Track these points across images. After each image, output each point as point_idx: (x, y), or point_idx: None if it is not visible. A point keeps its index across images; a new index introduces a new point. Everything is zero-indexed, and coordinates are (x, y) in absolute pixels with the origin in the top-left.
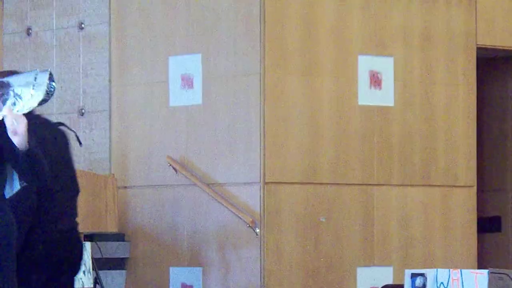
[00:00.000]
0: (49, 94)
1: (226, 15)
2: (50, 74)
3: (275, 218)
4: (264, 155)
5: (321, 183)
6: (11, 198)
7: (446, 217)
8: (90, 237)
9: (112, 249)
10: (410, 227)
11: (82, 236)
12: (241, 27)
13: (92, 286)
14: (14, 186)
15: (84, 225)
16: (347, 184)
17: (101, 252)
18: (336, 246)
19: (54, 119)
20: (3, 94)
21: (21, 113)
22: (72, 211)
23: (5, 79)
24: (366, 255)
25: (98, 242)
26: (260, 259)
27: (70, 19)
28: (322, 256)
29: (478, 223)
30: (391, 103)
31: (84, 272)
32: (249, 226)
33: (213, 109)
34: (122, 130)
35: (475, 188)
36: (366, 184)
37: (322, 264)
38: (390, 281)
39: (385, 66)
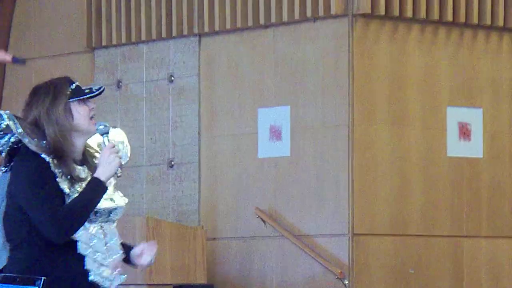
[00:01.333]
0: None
1: (314, 67)
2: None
3: (364, 270)
4: (353, 206)
5: (410, 235)
6: None
7: None
8: None
9: None
10: (500, 280)
11: None
12: (329, 78)
13: None
14: None
15: (173, 276)
16: (436, 235)
17: None
18: None
19: (143, 171)
20: None
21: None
22: None
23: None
24: None
25: None
26: None
27: (160, 72)
28: None
29: None
30: (480, 155)
31: None
32: (338, 277)
33: (301, 160)
34: (211, 181)
35: None
36: (455, 236)
37: None
38: None
39: (474, 117)
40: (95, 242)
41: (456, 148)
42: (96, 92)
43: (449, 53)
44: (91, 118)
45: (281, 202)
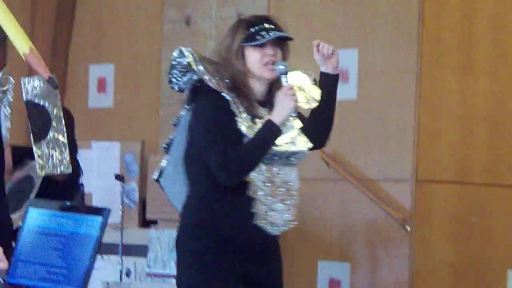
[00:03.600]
0: None
1: (384, 11)
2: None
3: (426, 217)
4: (417, 152)
5: (475, 183)
6: None
7: None
8: None
9: None
10: None
11: None
12: (399, 23)
13: None
14: None
15: None
16: (501, 184)
17: None
18: (488, 248)
19: None
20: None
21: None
22: None
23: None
24: None
25: None
26: (409, 257)
27: (230, 9)
28: (472, 258)
29: None
30: None
31: None
32: (400, 223)
33: (368, 104)
34: None
35: None
36: None
37: (472, 266)
38: None
39: None
40: (268, 186)
41: None
42: (263, 41)
43: None
44: (267, 64)
45: (345, 145)
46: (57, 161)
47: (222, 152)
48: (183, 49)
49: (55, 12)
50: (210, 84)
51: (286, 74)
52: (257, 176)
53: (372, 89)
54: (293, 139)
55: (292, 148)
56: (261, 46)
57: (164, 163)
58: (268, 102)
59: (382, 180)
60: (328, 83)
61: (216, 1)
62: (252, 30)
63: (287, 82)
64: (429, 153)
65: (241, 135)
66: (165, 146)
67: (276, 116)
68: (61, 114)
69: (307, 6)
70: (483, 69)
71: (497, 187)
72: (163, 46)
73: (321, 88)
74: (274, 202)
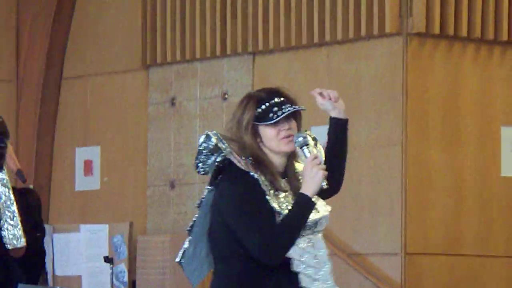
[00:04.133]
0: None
1: (368, 86)
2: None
3: None
4: (406, 225)
5: (465, 255)
6: None
7: None
8: None
9: None
10: None
11: None
12: (383, 97)
13: None
14: None
15: None
16: (490, 256)
17: None
18: None
19: (197, 188)
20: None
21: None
22: None
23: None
24: None
25: None
26: None
27: (214, 89)
28: None
29: None
30: None
31: None
32: None
33: (355, 178)
34: None
35: None
36: (510, 257)
37: None
38: None
39: None
40: (306, 257)
41: (510, 167)
42: (276, 119)
43: (504, 72)
44: (283, 138)
45: (333, 219)
46: (9, 237)
47: (261, 233)
48: (209, 133)
49: (41, 95)
50: (239, 165)
51: (306, 145)
52: (296, 250)
53: (359, 163)
54: (316, 207)
55: (317, 216)
56: (275, 122)
57: (186, 244)
58: (287, 173)
59: (371, 254)
60: (339, 128)
61: (200, 81)
62: (263, 107)
63: (309, 152)
64: (418, 225)
65: (274, 212)
66: (189, 228)
67: (308, 189)
68: (11, 197)
69: (290, 82)
70: (469, 140)
71: (487, 258)
72: (148, 127)
73: (331, 133)
74: (316, 271)
